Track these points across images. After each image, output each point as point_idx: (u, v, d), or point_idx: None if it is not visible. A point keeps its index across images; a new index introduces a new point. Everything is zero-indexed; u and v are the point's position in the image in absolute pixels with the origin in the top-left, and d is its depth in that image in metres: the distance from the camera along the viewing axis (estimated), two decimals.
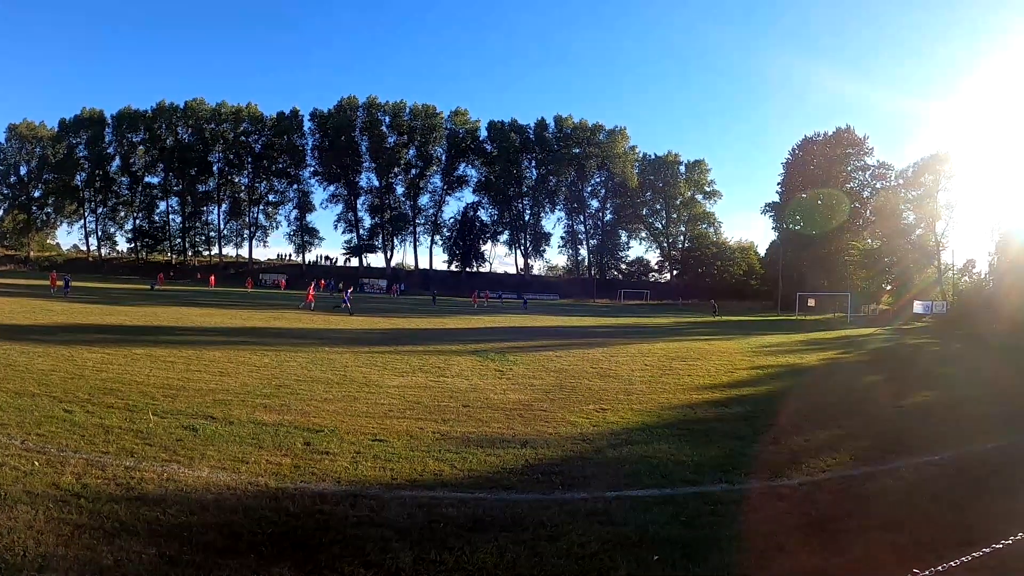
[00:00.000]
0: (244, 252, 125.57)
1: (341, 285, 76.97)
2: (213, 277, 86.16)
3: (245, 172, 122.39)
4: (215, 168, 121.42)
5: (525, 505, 6.99)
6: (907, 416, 13.97)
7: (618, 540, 6.04)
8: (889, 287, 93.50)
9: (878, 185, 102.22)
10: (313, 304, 44.22)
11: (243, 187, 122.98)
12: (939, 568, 4.20)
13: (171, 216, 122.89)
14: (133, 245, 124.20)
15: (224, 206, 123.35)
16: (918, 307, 75.95)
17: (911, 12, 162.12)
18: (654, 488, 7.78)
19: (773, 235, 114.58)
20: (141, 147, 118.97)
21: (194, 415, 10.18)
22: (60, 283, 45.53)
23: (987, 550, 4.61)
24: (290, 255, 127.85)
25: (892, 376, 21.45)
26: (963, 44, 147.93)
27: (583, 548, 5.83)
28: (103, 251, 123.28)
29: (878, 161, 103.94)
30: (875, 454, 10.15)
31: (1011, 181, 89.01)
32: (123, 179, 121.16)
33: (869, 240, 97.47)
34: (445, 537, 5.88)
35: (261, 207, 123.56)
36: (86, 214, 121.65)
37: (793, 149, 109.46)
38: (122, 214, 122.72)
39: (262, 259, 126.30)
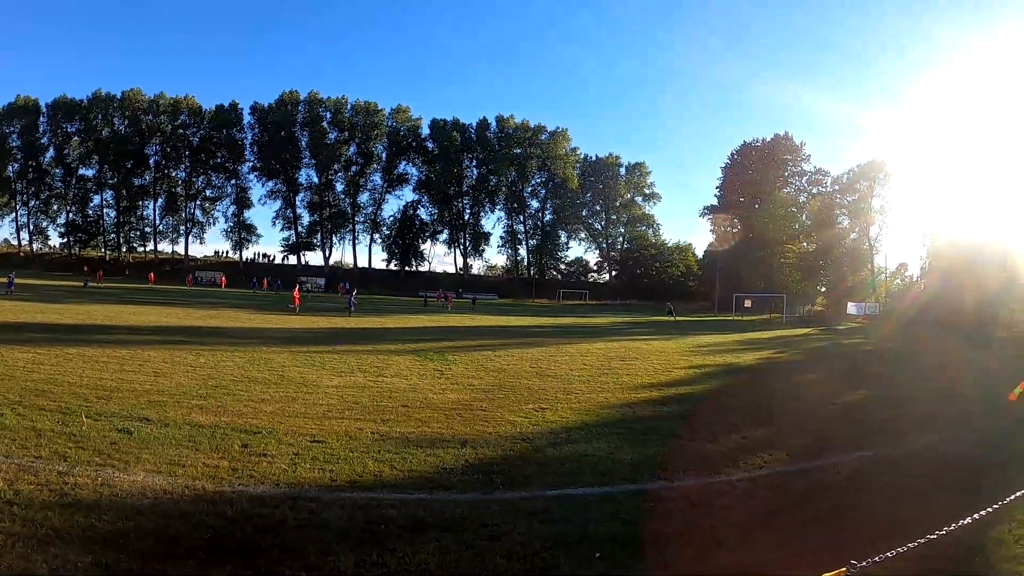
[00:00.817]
0: (180, 249, 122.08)
1: (347, 285, 76.52)
2: (152, 274, 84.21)
3: (182, 166, 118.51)
4: (151, 161, 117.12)
5: (466, 505, 6.98)
6: (842, 414, 14.34)
7: (560, 539, 6.08)
8: (824, 289, 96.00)
9: (814, 191, 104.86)
10: (298, 308, 43.06)
11: (180, 181, 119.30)
12: (876, 559, 4.31)
13: (105, 210, 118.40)
14: (66, 240, 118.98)
15: (160, 201, 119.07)
16: (852, 308, 77.85)
17: (854, 22, 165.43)
18: (594, 486, 7.85)
19: (711, 237, 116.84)
20: (76, 138, 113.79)
21: (129, 417, 9.92)
22: (3, 280, 42.80)
23: (922, 541, 4.74)
24: (227, 252, 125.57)
25: (827, 375, 22.00)
26: (903, 56, 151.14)
27: (525, 547, 5.86)
28: (35, 246, 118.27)
29: (814, 167, 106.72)
30: (811, 451, 10.41)
31: (942, 189, 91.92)
32: (57, 171, 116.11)
33: (805, 244, 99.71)
34: (386, 539, 5.85)
35: (198, 202, 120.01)
36: (17, 207, 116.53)
37: (732, 154, 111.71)
38: (55, 207, 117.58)
39: (198, 256, 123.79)
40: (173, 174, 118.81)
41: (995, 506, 5.91)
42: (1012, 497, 6.54)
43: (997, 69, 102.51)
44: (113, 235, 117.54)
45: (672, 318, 53.84)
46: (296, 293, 45.56)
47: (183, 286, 75.06)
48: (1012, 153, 71.41)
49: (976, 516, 5.39)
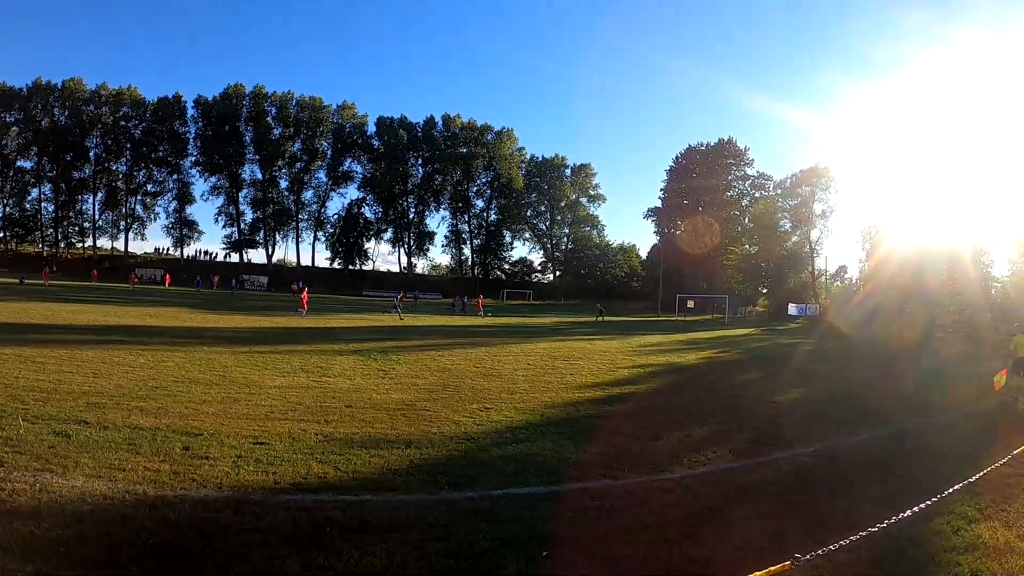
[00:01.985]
0: (119, 245, 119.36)
1: (301, 284, 75.82)
2: (96, 271, 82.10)
3: (123, 159, 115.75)
4: (92, 154, 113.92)
5: (412, 506, 6.97)
6: (783, 411, 14.61)
7: (506, 538, 6.10)
8: (765, 290, 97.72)
9: (757, 194, 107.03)
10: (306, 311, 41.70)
11: (121, 175, 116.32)
12: (819, 552, 4.42)
13: (43, 204, 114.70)
14: (2, 235, 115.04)
15: (100, 195, 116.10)
16: (792, 309, 79.60)
17: (799, 31, 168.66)
18: (540, 485, 7.90)
19: (655, 239, 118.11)
20: (14, 128, 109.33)
21: (67, 420, 9.65)
22: None
23: (864, 534, 4.89)
24: (167, 249, 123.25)
25: (768, 374, 22.36)
26: (844, 65, 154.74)
27: (472, 547, 5.87)
28: None
29: (758, 172, 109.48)
30: (753, 447, 10.62)
31: (882, 194, 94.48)
32: None
33: (747, 246, 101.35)
34: (332, 541, 5.82)
35: (139, 197, 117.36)
36: None
37: (677, 157, 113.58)
38: None
39: (138, 253, 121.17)
40: (114, 168, 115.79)
41: (934, 499, 6.12)
42: (950, 490, 6.78)
43: (935, 79, 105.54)
44: (51, 230, 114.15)
45: (601, 319, 54.13)
46: (304, 295, 43.64)
47: (124, 284, 73.02)
48: (949, 160, 73.38)
49: (916, 509, 5.58)
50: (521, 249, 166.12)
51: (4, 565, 5.03)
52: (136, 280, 70.31)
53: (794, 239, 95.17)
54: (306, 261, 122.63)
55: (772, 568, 4.19)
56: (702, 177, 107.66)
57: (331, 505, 6.78)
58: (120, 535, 5.69)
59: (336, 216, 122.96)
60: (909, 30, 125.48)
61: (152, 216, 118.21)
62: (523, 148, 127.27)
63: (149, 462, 7.84)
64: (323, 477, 7.80)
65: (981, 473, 7.93)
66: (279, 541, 5.77)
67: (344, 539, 5.89)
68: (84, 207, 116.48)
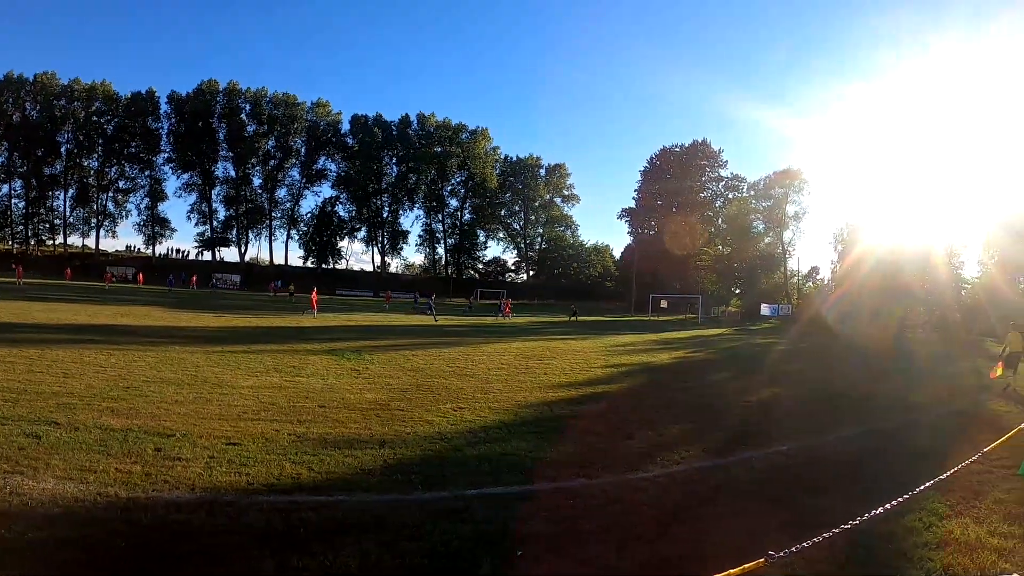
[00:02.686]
0: (90, 242, 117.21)
1: (279, 284, 75.47)
2: (69, 270, 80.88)
3: (95, 155, 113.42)
4: (63, 150, 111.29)
5: (386, 506, 6.98)
6: (755, 411, 14.75)
7: (481, 538, 6.13)
8: (738, 291, 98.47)
9: (730, 196, 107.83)
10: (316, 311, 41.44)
11: (92, 171, 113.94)
12: (793, 549, 4.48)
13: (13, 201, 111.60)
14: None
15: (71, 191, 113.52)
16: (765, 309, 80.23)
17: (776, 33, 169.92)
18: (514, 485, 7.94)
19: (628, 239, 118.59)
20: None
21: (37, 421, 9.56)
22: None
23: (837, 530, 4.95)
24: (138, 247, 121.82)
25: (741, 374, 22.51)
26: (821, 70, 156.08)
27: (446, 547, 5.89)
28: None
29: (731, 173, 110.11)
30: (726, 446, 10.70)
31: (853, 196, 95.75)
32: None
33: (720, 247, 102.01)
34: (306, 542, 5.81)
35: (111, 194, 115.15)
36: None
37: (651, 158, 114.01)
38: None
39: (109, 251, 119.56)
40: (85, 164, 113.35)
41: (906, 496, 6.21)
42: (922, 487, 6.89)
43: (908, 85, 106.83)
44: (21, 227, 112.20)
45: (574, 319, 54.25)
46: (314, 296, 43.36)
47: (98, 282, 71.87)
48: (920, 163, 74.32)
49: (888, 506, 5.66)
50: (495, 249, 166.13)
51: None
52: (112, 279, 68.85)
53: (767, 240, 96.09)
54: (279, 260, 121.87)
55: (746, 566, 4.24)
56: (676, 178, 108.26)
57: (305, 506, 6.77)
58: (92, 538, 5.65)
59: (309, 214, 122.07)
60: (883, 36, 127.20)
61: (124, 213, 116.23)
62: (498, 148, 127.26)
63: (121, 463, 7.78)
64: (297, 478, 7.77)
65: (952, 470, 8.06)
66: (253, 543, 5.76)
67: (318, 540, 5.89)
68: (55, 204, 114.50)
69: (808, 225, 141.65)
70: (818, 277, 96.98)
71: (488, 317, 53.11)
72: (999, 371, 19.76)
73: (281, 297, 67.66)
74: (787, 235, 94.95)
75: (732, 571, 4.17)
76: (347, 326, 34.92)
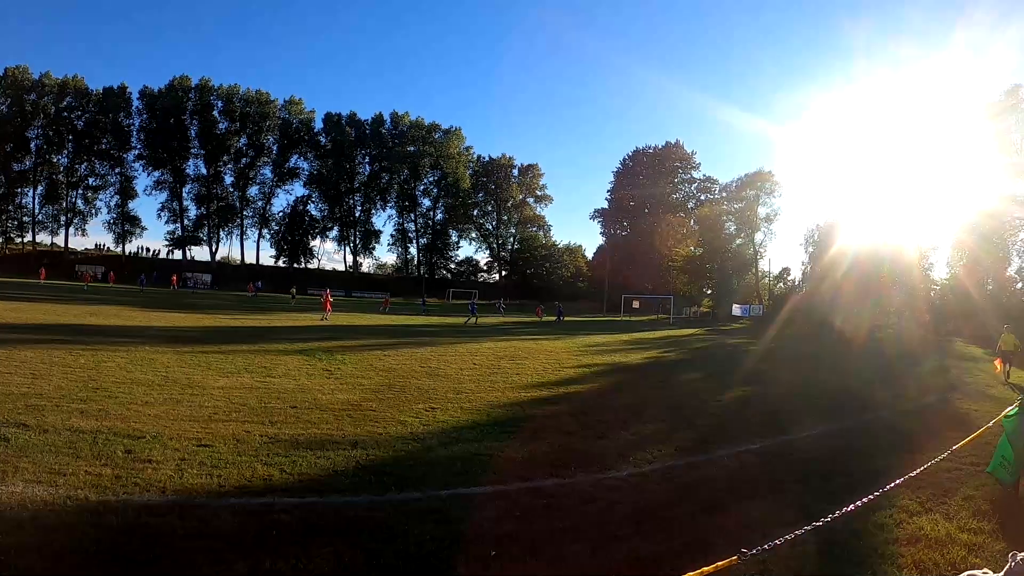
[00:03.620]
0: (59, 240, 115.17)
1: (260, 285, 74.96)
2: (44, 270, 79.58)
3: (65, 152, 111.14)
4: (33, 145, 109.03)
5: (359, 507, 6.97)
6: (726, 410, 14.91)
7: (454, 538, 6.16)
8: (710, 291, 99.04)
9: (703, 197, 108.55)
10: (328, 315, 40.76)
11: (62, 168, 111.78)
12: (766, 547, 4.52)
13: None
14: None
15: (40, 188, 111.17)
16: (737, 310, 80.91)
17: (750, 35, 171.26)
18: (487, 485, 7.97)
19: (601, 239, 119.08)
20: None
21: (5, 423, 9.41)
22: None
23: (809, 527, 5.01)
24: (107, 245, 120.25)
25: (712, 373, 22.68)
26: (793, 73, 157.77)
27: (420, 548, 5.91)
28: None
29: (704, 175, 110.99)
30: (698, 445, 10.81)
31: (824, 199, 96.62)
32: None
33: (692, 248, 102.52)
34: (279, 544, 5.80)
35: (80, 191, 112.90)
36: None
37: (624, 159, 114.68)
38: None
39: (79, 249, 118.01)
40: (55, 160, 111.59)
41: (877, 493, 6.29)
42: (891, 485, 6.97)
43: (877, 90, 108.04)
44: None
45: (560, 319, 54.34)
46: (327, 297, 42.54)
47: (73, 282, 70.71)
48: (890, 166, 75.09)
49: (859, 503, 5.73)
50: (467, 249, 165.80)
51: None
52: (90, 278, 66.53)
53: (739, 242, 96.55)
54: (251, 259, 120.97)
55: (719, 563, 4.27)
56: (649, 179, 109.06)
57: (278, 508, 6.75)
58: (61, 542, 5.59)
59: (281, 213, 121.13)
60: (854, 44, 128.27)
61: (94, 211, 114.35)
62: (471, 147, 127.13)
63: (91, 466, 7.70)
64: (269, 479, 7.74)
65: (922, 468, 8.17)
66: (225, 545, 5.72)
67: (291, 542, 5.87)
68: (24, 201, 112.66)
69: (780, 227, 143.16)
70: (789, 278, 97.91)
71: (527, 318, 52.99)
72: (999, 366, 22.08)
73: (262, 297, 67.20)
74: (759, 237, 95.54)
75: (706, 568, 4.20)
76: (318, 326, 34.67)
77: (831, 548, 6.15)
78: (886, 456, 10.35)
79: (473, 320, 44.92)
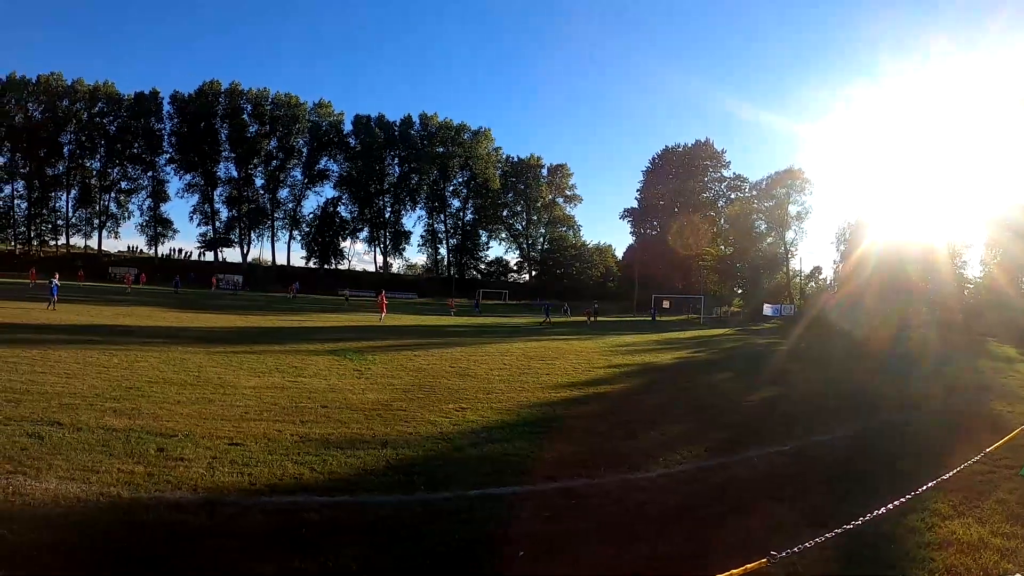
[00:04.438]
0: (92, 243, 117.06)
1: (298, 286, 75.39)
2: (81, 271, 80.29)
3: (97, 156, 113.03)
4: (66, 150, 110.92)
5: (388, 507, 6.98)
6: (755, 410, 14.74)
7: (483, 538, 6.14)
8: (741, 291, 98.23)
9: (732, 196, 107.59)
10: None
11: (95, 172, 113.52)
12: (795, 549, 4.47)
13: (16, 202, 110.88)
14: None
15: (73, 192, 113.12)
16: (767, 310, 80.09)
17: (779, 34, 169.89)
18: (516, 485, 7.93)
19: (631, 239, 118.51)
20: None
21: (40, 421, 9.56)
22: None
23: (839, 531, 4.94)
24: (140, 248, 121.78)
25: (742, 373, 22.46)
26: (824, 70, 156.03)
27: (448, 547, 5.89)
28: None
29: (734, 173, 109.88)
30: (727, 446, 10.68)
31: (856, 196, 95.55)
32: None
33: (723, 247, 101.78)
34: (308, 543, 5.82)
35: (113, 194, 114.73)
36: None
37: (653, 158, 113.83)
38: None
39: (112, 251, 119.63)
40: (88, 164, 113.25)
41: (908, 496, 6.19)
42: (924, 487, 6.87)
43: (910, 85, 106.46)
44: (24, 228, 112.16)
45: (593, 319, 53.96)
46: (383, 299, 42.80)
47: (109, 284, 71.20)
48: (923, 163, 74.17)
49: (890, 506, 5.65)
50: (497, 249, 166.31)
51: None
52: (131, 280, 65.55)
53: (769, 240, 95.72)
54: (281, 260, 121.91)
55: (748, 566, 4.24)
56: (678, 178, 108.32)
57: (307, 507, 6.77)
58: (94, 538, 5.66)
59: (312, 215, 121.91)
60: (885, 37, 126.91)
61: (126, 214, 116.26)
62: (500, 148, 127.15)
63: (123, 464, 7.78)
64: (299, 478, 7.77)
65: (954, 470, 8.04)
66: (255, 543, 5.76)
67: (320, 540, 5.89)
68: (58, 204, 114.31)
69: (811, 225, 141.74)
70: (821, 277, 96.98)
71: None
72: None
73: (301, 298, 67.73)
74: (789, 235, 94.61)
75: (735, 571, 4.17)
76: (349, 326, 34.80)
77: (861, 551, 6.03)
78: (917, 458, 10.15)
79: (548, 320, 44.92)
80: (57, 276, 35.88)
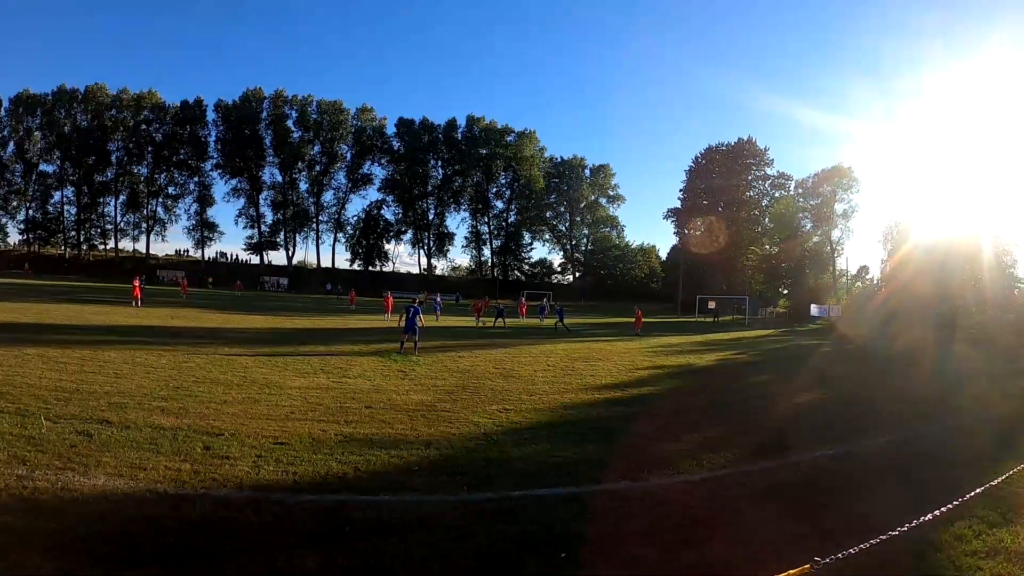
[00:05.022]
0: (140, 246, 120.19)
1: (329, 286, 75.51)
2: (138, 280, 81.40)
3: (145, 162, 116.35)
4: (113, 158, 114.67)
5: (431, 506, 6.99)
6: (802, 413, 14.55)
7: (525, 539, 6.10)
8: (786, 291, 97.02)
9: (777, 194, 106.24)
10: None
11: (142, 178, 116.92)
12: (839, 556, 4.38)
13: (66, 207, 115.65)
14: (25, 238, 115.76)
15: (122, 198, 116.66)
16: (814, 310, 78.98)
17: (821, 32, 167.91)
18: (559, 487, 7.86)
19: (674, 239, 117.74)
20: (37, 133, 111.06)
21: (89, 419, 9.75)
22: None
23: (884, 538, 4.83)
24: (187, 251, 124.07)
25: (788, 375, 22.14)
26: (868, 68, 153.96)
27: (490, 548, 5.88)
28: None
29: (777, 171, 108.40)
30: (772, 449, 10.49)
31: (903, 194, 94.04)
32: (17, 166, 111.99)
33: (767, 246, 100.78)
34: (352, 541, 5.84)
35: (160, 199, 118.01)
36: None
37: (696, 157, 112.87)
38: (14, 204, 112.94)
39: (160, 254, 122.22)
40: (135, 171, 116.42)
41: (955, 502, 6.04)
42: (972, 494, 6.69)
43: (956, 81, 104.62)
44: (73, 233, 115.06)
45: (714, 319, 52.86)
46: (484, 304, 43.43)
47: (153, 286, 72.27)
48: (971, 160, 72.89)
49: (937, 512, 5.51)
50: (540, 250, 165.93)
51: (27, 561, 5.08)
52: (187, 286, 63.59)
53: (815, 239, 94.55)
54: (326, 263, 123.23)
55: (792, 571, 4.15)
56: (722, 177, 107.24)
57: (351, 505, 6.81)
58: (141, 533, 5.75)
59: (356, 218, 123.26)
60: (928, 31, 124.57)
61: (173, 218, 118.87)
62: (544, 148, 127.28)
63: (170, 461, 7.89)
64: (343, 477, 7.81)
65: (1003, 477, 7.83)
66: (298, 541, 5.80)
67: (363, 539, 5.91)
68: (106, 210, 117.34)
69: (858, 224, 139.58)
70: (868, 277, 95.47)
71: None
72: None
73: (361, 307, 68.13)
74: (835, 234, 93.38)
75: None
76: (393, 327, 34.84)
77: (906, 559, 5.91)
78: (966, 464, 9.89)
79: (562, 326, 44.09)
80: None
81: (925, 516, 5.40)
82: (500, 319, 41.20)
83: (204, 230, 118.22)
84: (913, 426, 13.21)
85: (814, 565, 4.18)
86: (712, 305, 77.04)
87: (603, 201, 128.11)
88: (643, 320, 41.13)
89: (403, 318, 21.58)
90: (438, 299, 49.28)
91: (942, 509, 5.69)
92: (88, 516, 6.03)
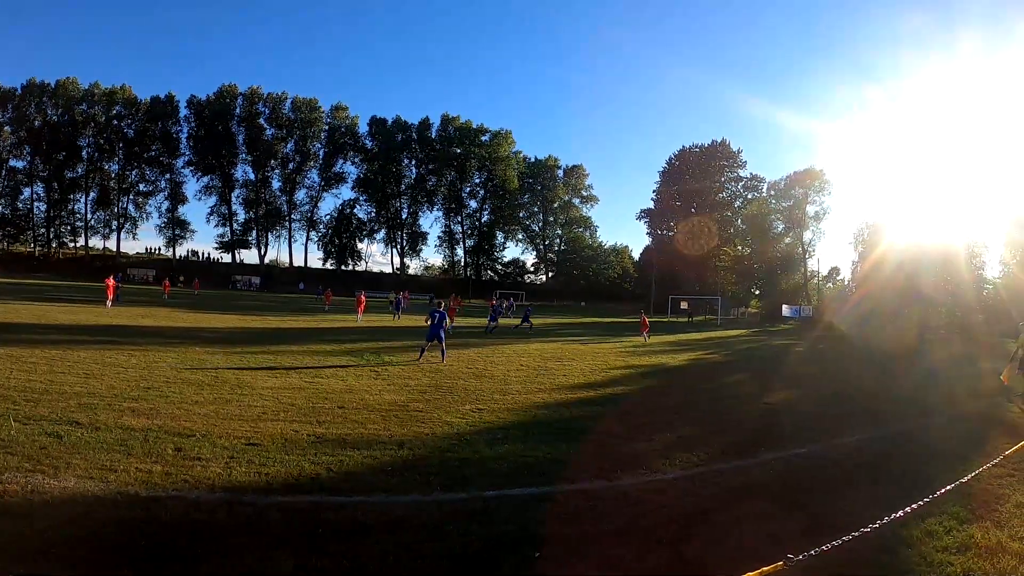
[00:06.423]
0: (111, 244, 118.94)
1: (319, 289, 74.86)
2: (112, 279, 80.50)
3: (116, 159, 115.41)
4: (84, 154, 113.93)
5: (405, 507, 6.96)
6: (774, 412, 14.65)
7: (499, 539, 6.11)
8: (758, 292, 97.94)
9: (750, 196, 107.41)
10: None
11: (113, 175, 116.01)
12: (812, 553, 4.43)
13: (35, 204, 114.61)
14: None
15: (92, 194, 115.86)
16: (785, 310, 79.87)
17: (796, 33, 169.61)
18: (533, 486, 7.88)
19: (647, 240, 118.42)
20: (7, 128, 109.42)
21: (58, 421, 9.60)
22: None
23: (856, 534, 4.90)
24: (159, 249, 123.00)
25: (760, 375, 22.36)
26: (842, 70, 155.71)
27: (465, 548, 5.88)
28: None
29: (751, 173, 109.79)
30: (745, 448, 10.59)
31: (874, 196, 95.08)
32: None
33: (740, 248, 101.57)
34: (325, 542, 5.80)
35: (131, 197, 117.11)
36: None
37: (670, 158, 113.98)
38: None
39: (130, 252, 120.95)
40: (106, 167, 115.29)
41: (926, 500, 6.13)
42: (942, 490, 6.80)
43: (929, 84, 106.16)
44: (43, 230, 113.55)
45: (688, 319, 53.18)
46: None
47: (131, 284, 71.46)
48: (942, 162, 73.87)
49: (908, 509, 5.59)
50: (514, 250, 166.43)
51: None
52: (170, 286, 62.60)
53: (787, 241, 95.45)
54: (299, 262, 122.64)
55: (765, 568, 4.20)
56: (695, 178, 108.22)
57: (324, 506, 6.77)
58: (112, 536, 5.68)
59: (329, 216, 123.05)
60: (905, 36, 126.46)
61: (144, 216, 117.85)
62: (520, 151, 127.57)
63: (141, 463, 7.80)
64: (316, 478, 7.77)
65: (973, 474, 7.96)
66: (272, 542, 5.76)
67: (337, 540, 5.88)
68: (76, 207, 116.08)
69: (829, 226, 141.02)
70: (839, 278, 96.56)
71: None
72: (1007, 376, 19.50)
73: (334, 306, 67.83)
74: (807, 235, 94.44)
75: (751, 574, 4.14)
76: (366, 327, 34.90)
77: (878, 555, 5.98)
78: (936, 462, 10.05)
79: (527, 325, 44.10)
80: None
81: (897, 513, 5.48)
82: (526, 323, 39.86)
83: (175, 228, 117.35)
84: (885, 425, 13.39)
85: (787, 562, 4.24)
86: (684, 305, 77.66)
87: (576, 201, 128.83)
88: (621, 320, 41.30)
89: (428, 322, 20.56)
90: (402, 298, 48.87)
91: (913, 506, 5.78)
92: (58, 519, 5.94)
